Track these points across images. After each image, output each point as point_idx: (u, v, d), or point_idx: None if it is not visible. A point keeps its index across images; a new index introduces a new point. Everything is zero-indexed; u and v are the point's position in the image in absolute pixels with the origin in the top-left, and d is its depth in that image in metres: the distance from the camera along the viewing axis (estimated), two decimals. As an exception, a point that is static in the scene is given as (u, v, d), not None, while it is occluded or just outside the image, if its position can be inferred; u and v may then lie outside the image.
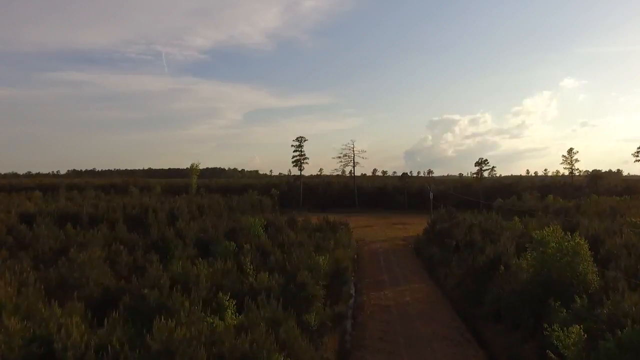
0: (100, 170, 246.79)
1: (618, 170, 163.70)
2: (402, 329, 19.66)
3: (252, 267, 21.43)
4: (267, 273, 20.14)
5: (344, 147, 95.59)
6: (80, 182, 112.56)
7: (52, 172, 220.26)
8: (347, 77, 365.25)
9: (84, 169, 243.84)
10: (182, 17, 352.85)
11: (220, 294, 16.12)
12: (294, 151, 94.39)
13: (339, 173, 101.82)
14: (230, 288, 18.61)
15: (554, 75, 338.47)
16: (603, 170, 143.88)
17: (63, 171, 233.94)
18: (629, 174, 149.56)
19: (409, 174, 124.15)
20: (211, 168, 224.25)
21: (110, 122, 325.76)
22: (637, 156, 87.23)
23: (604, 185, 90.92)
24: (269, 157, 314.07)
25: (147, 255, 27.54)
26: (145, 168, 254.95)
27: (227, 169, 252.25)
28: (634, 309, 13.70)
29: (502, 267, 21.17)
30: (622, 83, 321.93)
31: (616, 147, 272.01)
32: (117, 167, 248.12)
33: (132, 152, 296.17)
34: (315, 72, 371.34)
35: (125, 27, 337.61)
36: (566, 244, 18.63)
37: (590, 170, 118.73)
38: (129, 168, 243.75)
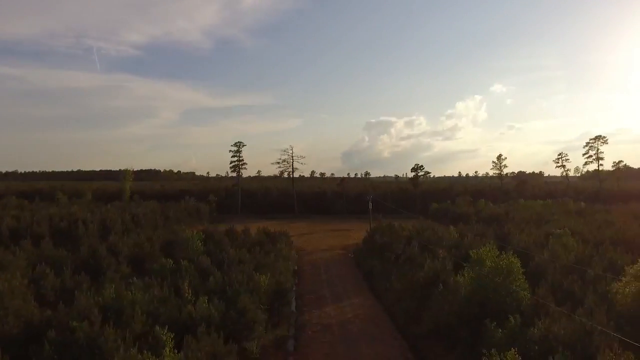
0: (23, 172, 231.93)
1: (540, 172, 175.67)
2: (344, 350, 19.61)
3: (190, 291, 20.65)
4: (207, 298, 19.49)
5: (282, 152, 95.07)
6: (0, 187, 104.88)
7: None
8: (287, 77, 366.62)
9: (4, 171, 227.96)
10: (115, 10, 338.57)
11: (158, 328, 15.28)
12: (232, 156, 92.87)
13: (277, 175, 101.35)
14: (168, 317, 17.83)
15: (484, 81, 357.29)
16: (527, 172, 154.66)
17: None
18: (549, 175, 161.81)
19: (346, 175, 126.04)
20: (146, 170, 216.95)
21: (35, 120, 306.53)
22: (558, 162, 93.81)
23: (529, 190, 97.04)
24: (207, 159, 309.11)
25: (77, 276, 25.99)
26: (75, 170, 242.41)
27: (162, 170, 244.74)
28: (562, 332, 14.35)
29: (441, 285, 21.68)
30: (543, 90, 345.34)
31: (538, 149, 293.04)
32: (42, 169, 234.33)
33: (60, 152, 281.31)
34: (254, 71, 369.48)
35: (53, 19, 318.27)
36: (501, 262, 19.39)
37: (517, 172, 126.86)
38: (56, 170, 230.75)
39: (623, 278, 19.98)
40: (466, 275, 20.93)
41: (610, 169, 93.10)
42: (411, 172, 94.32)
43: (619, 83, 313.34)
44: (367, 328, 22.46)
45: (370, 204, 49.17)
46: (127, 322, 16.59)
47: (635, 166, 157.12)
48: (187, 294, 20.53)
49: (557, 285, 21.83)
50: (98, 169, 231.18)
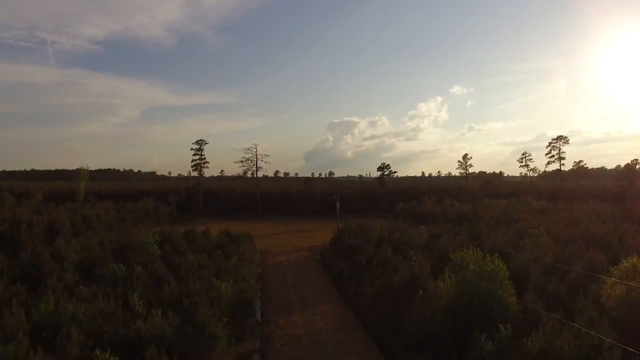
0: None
1: (500, 172, 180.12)
2: (316, 366, 17.63)
3: (141, 303, 18.17)
4: (160, 310, 17.11)
5: (246, 150, 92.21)
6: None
7: None
8: (250, 76, 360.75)
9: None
10: (71, 2, 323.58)
11: (97, 351, 12.85)
12: (193, 155, 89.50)
13: (241, 174, 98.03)
14: (113, 335, 15.38)
15: (445, 82, 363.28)
16: (488, 172, 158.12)
17: None
18: (508, 175, 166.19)
19: (310, 175, 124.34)
20: (104, 169, 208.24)
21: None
22: (522, 162, 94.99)
23: (493, 189, 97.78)
24: (168, 158, 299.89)
25: (13, 286, 22.86)
26: (28, 169, 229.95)
27: (121, 170, 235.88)
28: (567, 346, 12.78)
29: (421, 292, 19.96)
30: (501, 92, 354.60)
31: (496, 150, 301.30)
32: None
33: (11, 150, 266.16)
34: (218, 70, 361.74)
35: (1, 8, 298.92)
36: (486, 266, 17.84)
37: (477, 171, 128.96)
38: (7, 169, 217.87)
39: (608, 279, 18.88)
40: (448, 280, 19.25)
41: (570, 168, 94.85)
42: (377, 171, 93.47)
43: (571, 88, 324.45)
44: (340, 339, 20.53)
45: (337, 203, 47.32)
46: (63, 344, 14.06)
47: (587, 167, 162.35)
48: (137, 307, 18.07)
49: (541, 288, 20.52)
50: (53, 169, 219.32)
